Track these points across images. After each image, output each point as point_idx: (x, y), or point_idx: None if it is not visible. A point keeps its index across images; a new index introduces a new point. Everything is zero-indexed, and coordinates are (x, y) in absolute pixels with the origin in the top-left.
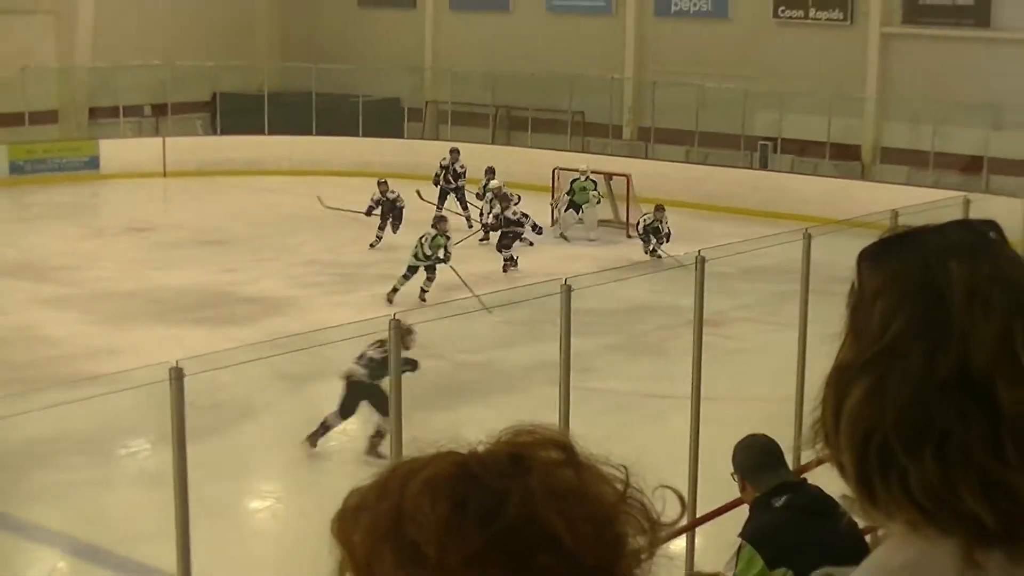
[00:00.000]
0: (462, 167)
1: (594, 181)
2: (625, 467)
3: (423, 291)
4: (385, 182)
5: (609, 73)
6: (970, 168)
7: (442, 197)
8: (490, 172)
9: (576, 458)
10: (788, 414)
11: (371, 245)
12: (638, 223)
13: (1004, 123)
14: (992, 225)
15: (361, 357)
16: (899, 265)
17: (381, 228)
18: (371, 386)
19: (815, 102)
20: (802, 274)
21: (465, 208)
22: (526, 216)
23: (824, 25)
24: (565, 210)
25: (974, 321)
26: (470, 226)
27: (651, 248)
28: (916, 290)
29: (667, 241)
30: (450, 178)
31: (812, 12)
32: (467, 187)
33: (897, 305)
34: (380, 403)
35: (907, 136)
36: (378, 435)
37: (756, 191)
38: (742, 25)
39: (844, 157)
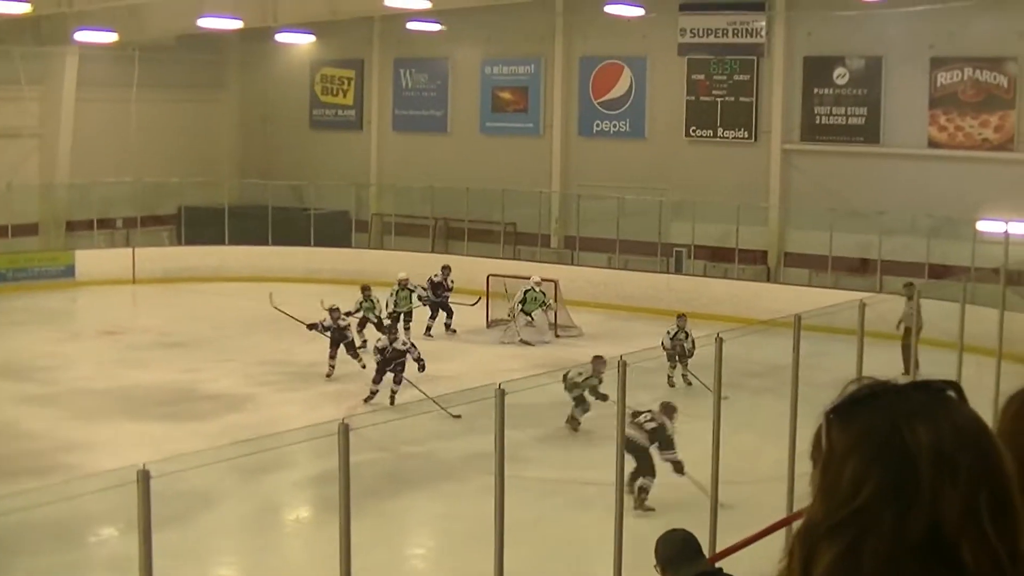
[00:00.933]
0: (451, 282)
1: (543, 292)
2: None
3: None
4: (337, 308)
5: (537, 187)
6: (864, 270)
7: (434, 310)
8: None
9: None
10: (703, 499)
11: (327, 375)
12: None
13: (893, 228)
14: (951, 385)
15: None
16: (868, 426)
17: (332, 357)
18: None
19: (724, 211)
20: (715, 375)
21: (450, 316)
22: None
23: (731, 143)
24: (519, 317)
25: (942, 487)
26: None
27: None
28: (886, 453)
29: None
30: (440, 292)
31: (720, 131)
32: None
33: (868, 467)
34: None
35: (807, 241)
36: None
37: (672, 292)
38: (657, 143)
39: (752, 261)
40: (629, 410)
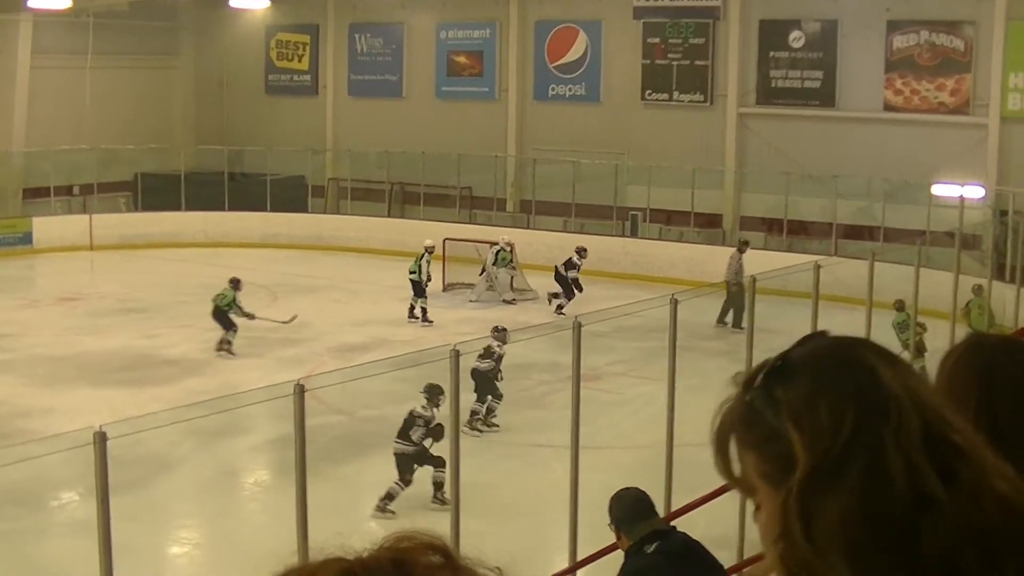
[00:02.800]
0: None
1: (510, 252)
2: (499, 568)
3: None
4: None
5: (493, 152)
6: (819, 233)
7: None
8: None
9: (454, 562)
10: (659, 460)
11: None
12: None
13: (848, 192)
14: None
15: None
16: (814, 366)
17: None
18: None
19: (680, 175)
20: (670, 336)
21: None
22: None
23: (686, 106)
24: (496, 277)
25: (916, 390)
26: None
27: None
28: (848, 381)
29: None
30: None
31: (676, 95)
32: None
33: (842, 400)
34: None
35: (763, 205)
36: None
37: (627, 256)
38: (613, 107)
39: (707, 225)
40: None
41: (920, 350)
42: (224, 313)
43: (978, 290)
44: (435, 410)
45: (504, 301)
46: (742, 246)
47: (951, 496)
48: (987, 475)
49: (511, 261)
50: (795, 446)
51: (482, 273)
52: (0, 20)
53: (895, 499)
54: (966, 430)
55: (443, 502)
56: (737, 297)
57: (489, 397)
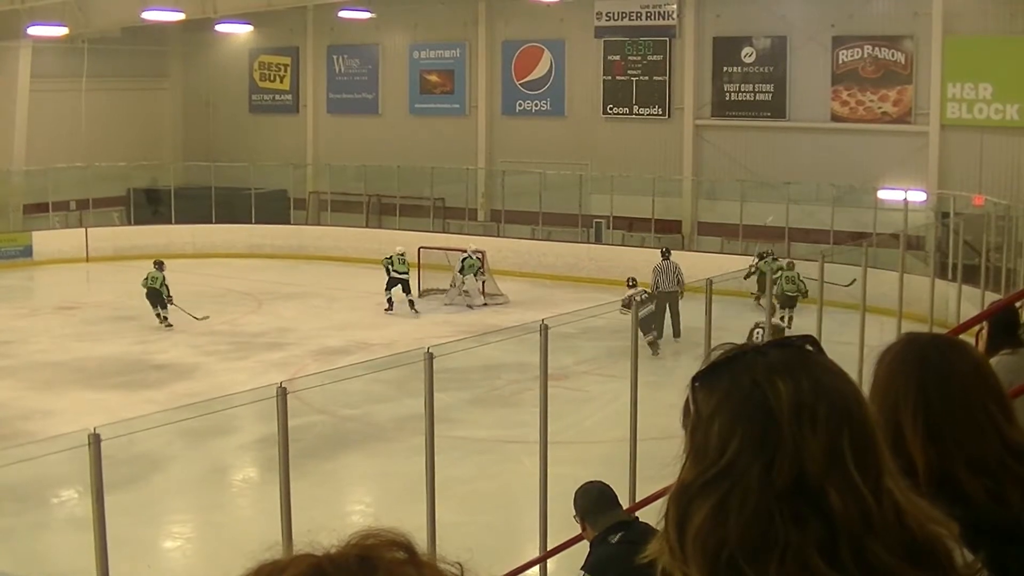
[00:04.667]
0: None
1: (479, 259)
2: (460, 564)
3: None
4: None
5: (464, 164)
6: (773, 237)
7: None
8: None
9: (417, 557)
10: (623, 453)
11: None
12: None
13: (798, 198)
14: (808, 339)
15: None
16: (730, 386)
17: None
18: None
19: (640, 184)
20: (632, 336)
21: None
22: None
23: (646, 119)
24: (462, 283)
25: (803, 435)
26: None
27: None
28: (748, 409)
29: None
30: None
31: (635, 109)
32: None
33: (732, 425)
34: None
35: (719, 211)
36: None
37: (592, 261)
38: (576, 121)
39: (667, 231)
40: None
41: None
42: (157, 293)
43: (768, 256)
44: None
45: (468, 307)
46: (667, 252)
47: (802, 540)
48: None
49: (480, 268)
50: (685, 453)
51: (453, 282)
52: (1, 46)
53: (744, 531)
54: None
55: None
56: (675, 305)
57: None
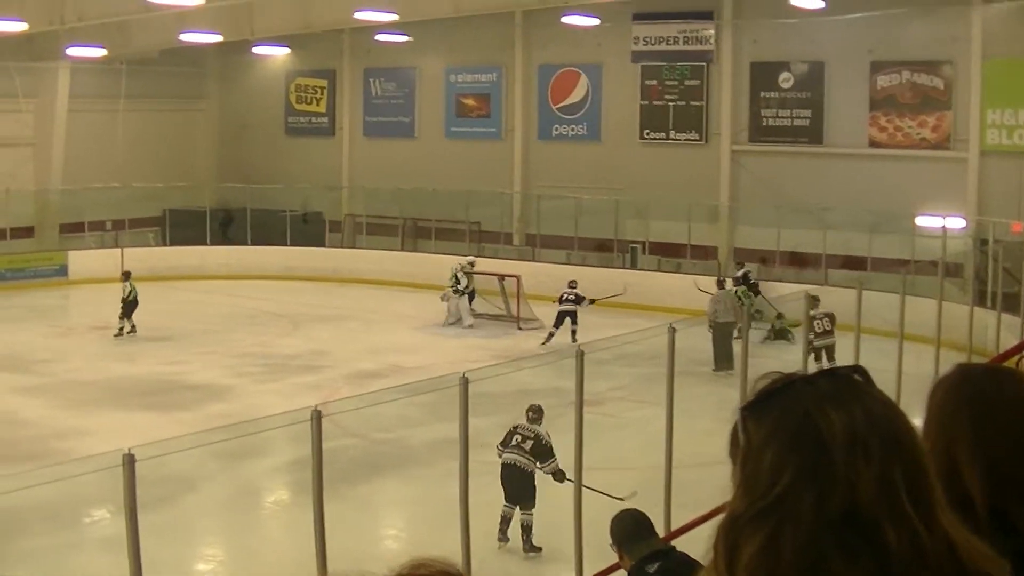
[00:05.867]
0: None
1: (461, 276)
2: None
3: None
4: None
5: (500, 188)
6: (810, 263)
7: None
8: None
9: None
10: (658, 481)
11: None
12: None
13: (837, 224)
14: (857, 369)
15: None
16: (781, 416)
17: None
18: None
19: (676, 210)
20: (668, 363)
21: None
22: None
23: (682, 144)
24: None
25: (856, 467)
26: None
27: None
28: (800, 440)
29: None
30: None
31: (672, 134)
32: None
33: (784, 456)
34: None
35: (755, 237)
36: None
37: (627, 287)
38: (612, 146)
39: (703, 256)
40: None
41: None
42: (133, 303)
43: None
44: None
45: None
46: (722, 281)
47: (854, 574)
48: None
49: (461, 284)
50: (735, 483)
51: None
52: (41, 67)
53: (796, 563)
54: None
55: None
56: (731, 337)
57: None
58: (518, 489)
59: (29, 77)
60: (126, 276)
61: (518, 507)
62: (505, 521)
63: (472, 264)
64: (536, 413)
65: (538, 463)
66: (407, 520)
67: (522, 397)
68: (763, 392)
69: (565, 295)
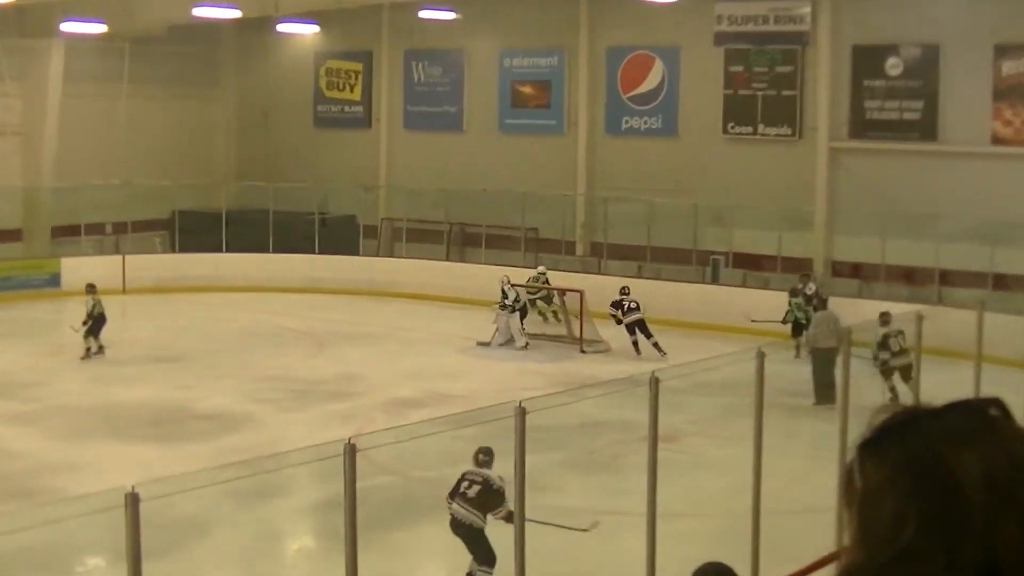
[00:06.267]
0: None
1: (510, 290)
2: None
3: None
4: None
5: (561, 190)
6: (921, 280)
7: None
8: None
9: None
10: (744, 528)
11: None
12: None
13: (953, 235)
14: (993, 401)
15: None
16: (904, 456)
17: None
18: None
19: (765, 216)
20: (756, 393)
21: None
22: None
23: (772, 141)
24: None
25: (996, 516)
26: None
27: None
28: (928, 485)
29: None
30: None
31: (760, 128)
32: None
33: (908, 502)
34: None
35: (857, 249)
36: None
37: (707, 304)
38: (691, 142)
39: (795, 270)
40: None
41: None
42: (100, 320)
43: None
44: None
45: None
46: (824, 301)
47: None
48: None
49: (510, 299)
50: (850, 532)
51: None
52: (30, 45)
53: None
54: None
55: None
56: (832, 364)
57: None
58: (469, 545)
59: (17, 56)
60: (91, 289)
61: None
62: (469, 574)
63: (543, 273)
64: (486, 455)
65: (488, 512)
66: (449, 572)
67: (584, 431)
68: (883, 428)
69: (627, 303)
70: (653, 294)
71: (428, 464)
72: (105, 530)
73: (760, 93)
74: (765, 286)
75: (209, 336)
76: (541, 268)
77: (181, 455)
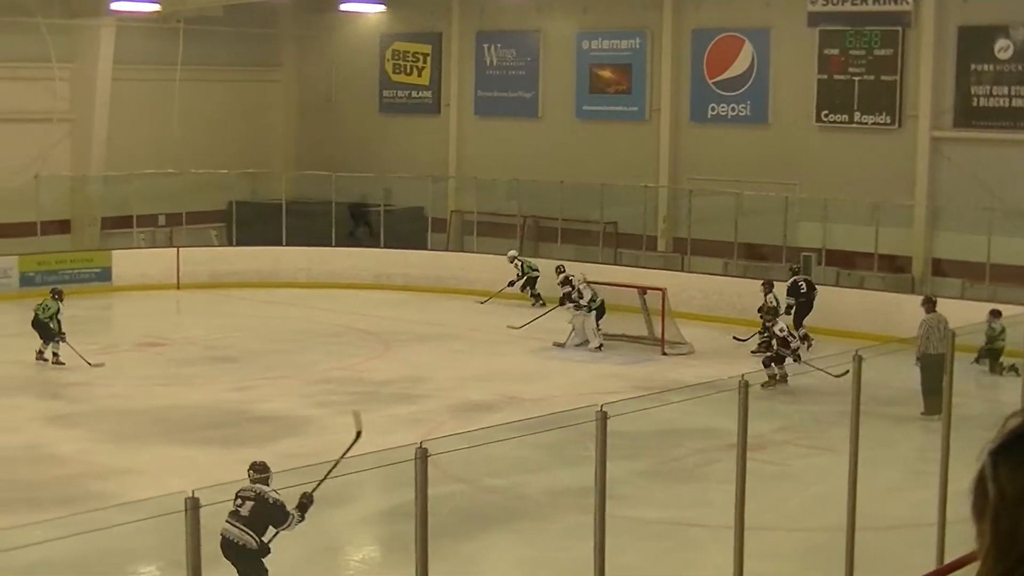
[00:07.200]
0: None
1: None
2: None
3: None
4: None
5: (642, 181)
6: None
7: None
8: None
9: None
10: (836, 545)
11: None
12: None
13: None
14: None
15: None
16: None
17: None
18: None
19: (861, 211)
20: (853, 399)
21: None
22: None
23: (870, 129)
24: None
25: None
26: None
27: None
28: None
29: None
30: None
31: (857, 116)
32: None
33: None
34: None
35: (960, 246)
36: None
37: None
38: (782, 130)
39: (892, 269)
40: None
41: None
42: (45, 324)
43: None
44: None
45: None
46: (932, 303)
47: None
48: None
49: (585, 298)
50: (982, 544)
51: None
52: (79, 26)
53: None
54: None
55: None
56: (941, 371)
57: None
58: (240, 568)
59: (65, 37)
60: (57, 295)
61: None
62: None
63: (515, 258)
64: (259, 472)
65: (274, 527)
66: None
67: (665, 438)
68: (1018, 433)
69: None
70: (739, 293)
71: (500, 472)
72: (156, 537)
73: (857, 78)
74: (860, 285)
75: (267, 335)
76: (512, 252)
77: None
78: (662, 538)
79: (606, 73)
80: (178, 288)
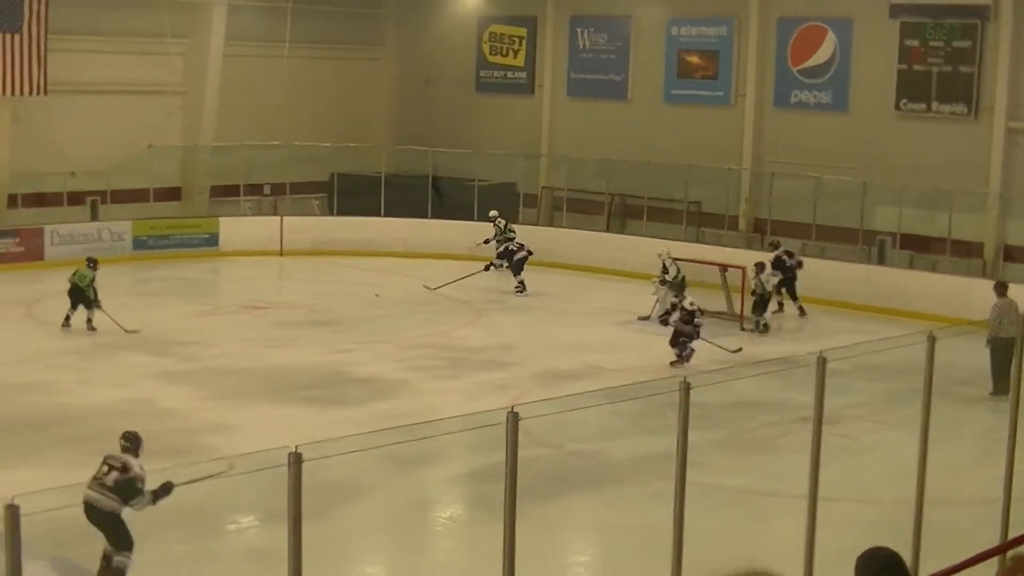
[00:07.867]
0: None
1: (664, 264)
2: None
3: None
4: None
5: (726, 163)
6: None
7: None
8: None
9: None
10: (905, 517)
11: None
12: None
13: None
14: None
15: None
16: None
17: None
18: None
19: (936, 197)
20: (925, 379)
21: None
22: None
23: (947, 118)
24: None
25: None
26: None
27: None
28: None
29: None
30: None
31: (935, 105)
32: None
33: None
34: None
35: None
36: None
37: (872, 286)
38: (862, 118)
39: (965, 254)
40: None
41: None
42: (81, 292)
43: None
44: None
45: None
46: (1004, 287)
47: None
48: None
49: (670, 274)
50: None
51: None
52: (193, 4)
53: None
54: None
55: None
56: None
57: None
58: (106, 531)
59: (179, 15)
60: (92, 264)
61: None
62: (106, 558)
63: (496, 218)
64: (130, 441)
65: (125, 504)
66: (602, 547)
67: (740, 410)
68: None
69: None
70: (818, 274)
71: (584, 438)
72: (253, 490)
73: (936, 69)
74: (933, 269)
75: (366, 301)
76: (493, 212)
77: (335, 419)
78: (733, 505)
79: (694, 58)
80: (281, 255)
